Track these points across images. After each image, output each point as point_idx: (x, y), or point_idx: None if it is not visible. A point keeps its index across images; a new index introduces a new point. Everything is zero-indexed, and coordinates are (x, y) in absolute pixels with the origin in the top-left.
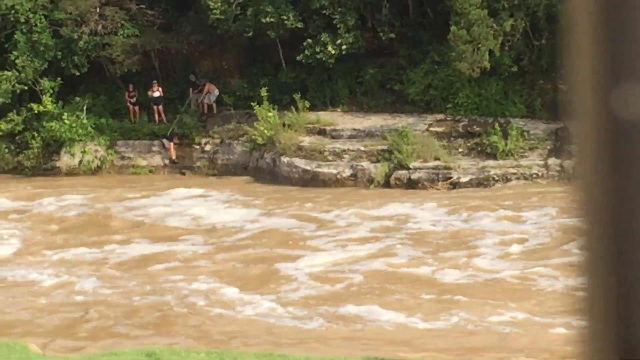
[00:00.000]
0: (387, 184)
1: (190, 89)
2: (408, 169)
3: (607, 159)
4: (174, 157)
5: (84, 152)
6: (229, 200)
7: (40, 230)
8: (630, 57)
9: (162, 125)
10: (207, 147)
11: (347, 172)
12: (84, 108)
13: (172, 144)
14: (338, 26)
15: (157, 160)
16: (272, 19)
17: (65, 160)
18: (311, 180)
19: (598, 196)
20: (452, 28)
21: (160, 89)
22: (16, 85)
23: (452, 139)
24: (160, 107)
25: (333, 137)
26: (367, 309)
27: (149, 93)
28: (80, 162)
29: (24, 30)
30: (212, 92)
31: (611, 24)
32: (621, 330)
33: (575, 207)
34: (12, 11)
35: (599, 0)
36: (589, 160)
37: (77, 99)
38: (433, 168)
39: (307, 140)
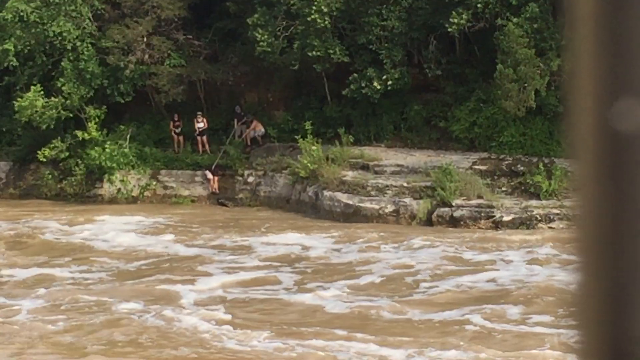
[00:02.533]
0: (429, 221)
1: (235, 120)
2: (451, 206)
3: (606, 172)
4: (217, 189)
5: (123, 180)
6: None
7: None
8: (629, 73)
9: (206, 155)
10: (250, 179)
11: (390, 208)
12: (127, 137)
13: (216, 177)
14: (384, 61)
15: (199, 190)
16: (318, 53)
17: (106, 188)
18: (353, 215)
19: (597, 208)
20: (499, 66)
21: (205, 119)
22: (61, 112)
23: (495, 177)
24: (205, 137)
25: (376, 172)
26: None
27: (195, 124)
28: (119, 190)
29: (71, 57)
30: (258, 129)
31: (611, 41)
32: (613, 335)
33: (574, 219)
34: (60, 38)
35: (599, 18)
36: (588, 173)
37: (122, 127)
38: (476, 206)
39: (350, 175)
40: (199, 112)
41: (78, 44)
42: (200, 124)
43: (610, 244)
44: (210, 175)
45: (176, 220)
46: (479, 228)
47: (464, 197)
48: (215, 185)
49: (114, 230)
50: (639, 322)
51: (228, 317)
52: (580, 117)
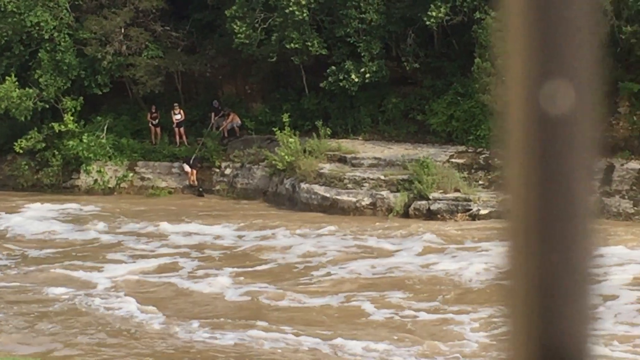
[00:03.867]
0: (406, 214)
1: (213, 114)
2: (428, 199)
3: (535, 153)
4: (195, 181)
5: (100, 171)
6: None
7: None
8: (557, 55)
9: (183, 147)
10: (227, 171)
11: (367, 201)
12: (105, 128)
13: (194, 170)
14: (362, 54)
15: (176, 182)
16: (296, 45)
17: (83, 178)
18: (330, 208)
19: (525, 190)
20: (477, 60)
21: (182, 111)
22: (38, 103)
23: (472, 171)
24: (182, 129)
25: (353, 165)
26: None
27: (172, 115)
28: (96, 181)
29: (48, 48)
30: (236, 122)
31: (540, 24)
32: (541, 328)
33: (502, 202)
34: (37, 28)
35: (529, 2)
36: (517, 155)
37: (99, 118)
38: (453, 199)
39: (327, 168)
40: (176, 104)
41: (55, 34)
42: (178, 115)
43: (540, 227)
44: (187, 168)
45: (139, 210)
46: (456, 221)
47: (441, 190)
48: (193, 178)
49: (42, 218)
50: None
51: (129, 301)
52: (510, 99)
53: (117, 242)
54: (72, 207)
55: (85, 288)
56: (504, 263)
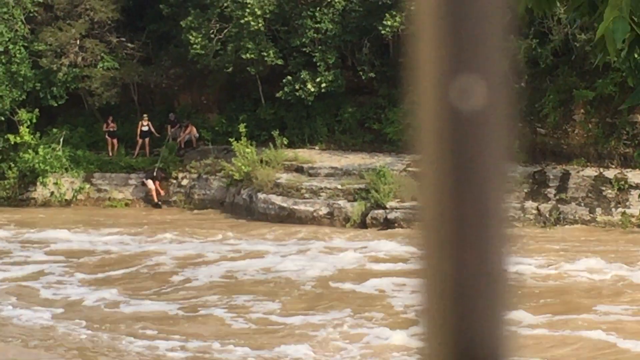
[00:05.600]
0: (363, 223)
1: (169, 126)
2: (385, 208)
3: (446, 150)
4: (161, 192)
5: (56, 183)
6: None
7: None
8: (468, 50)
9: (140, 159)
10: (184, 182)
11: (324, 210)
12: (61, 140)
13: (157, 182)
14: (318, 64)
15: (133, 193)
16: (252, 55)
17: (39, 191)
18: (287, 218)
19: (436, 188)
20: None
21: (149, 123)
22: None
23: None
24: (147, 140)
25: (310, 175)
26: None
27: (139, 127)
28: (52, 193)
29: (3, 60)
30: (193, 133)
31: (450, 18)
32: (457, 328)
33: (416, 201)
34: None
35: None
36: (429, 152)
37: (55, 130)
38: (410, 208)
39: (284, 177)
40: (145, 115)
41: (10, 46)
42: (145, 127)
43: (453, 228)
44: (151, 184)
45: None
46: (411, 229)
47: (398, 199)
48: (159, 189)
49: None
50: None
51: None
52: (421, 96)
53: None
54: None
55: None
56: (418, 266)
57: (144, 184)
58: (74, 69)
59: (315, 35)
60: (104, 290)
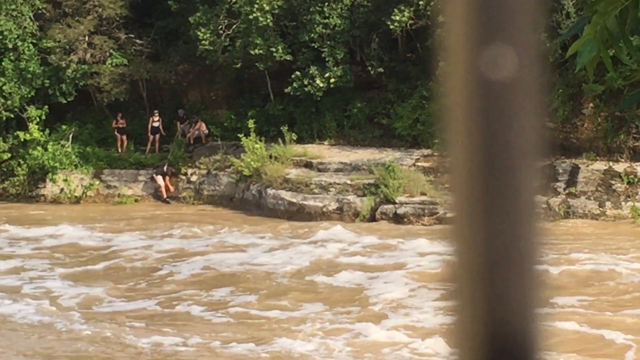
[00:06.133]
0: (372, 218)
1: (178, 122)
2: (394, 203)
3: (477, 120)
4: (171, 189)
5: (66, 180)
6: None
7: None
8: (498, 18)
9: (149, 155)
10: (193, 178)
11: (333, 206)
12: (70, 136)
13: (167, 177)
14: (327, 59)
15: (143, 189)
16: (260, 51)
17: (49, 188)
18: (297, 213)
19: (466, 159)
20: (441, 63)
21: (160, 119)
22: (2, 112)
23: (438, 174)
24: (157, 136)
25: (320, 170)
26: None
27: (150, 122)
28: (62, 190)
29: (12, 57)
30: (203, 129)
31: None
32: (488, 305)
33: (445, 175)
34: (0, 37)
35: None
36: (458, 123)
37: (64, 127)
38: (419, 203)
39: (293, 173)
40: (156, 111)
41: (19, 43)
42: (156, 123)
43: (483, 200)
44: (160, 180)
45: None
46: (423, 225)
47: (408, 194)
48: (168, 185)
49: None
50: (510, 296)
51: None
52: (451, 66)
53: None
54: None
55: None
56: (449, 245)
57: (153, 179)
58: (82, 66)
59: (323, 30)
60: (101, 288)
